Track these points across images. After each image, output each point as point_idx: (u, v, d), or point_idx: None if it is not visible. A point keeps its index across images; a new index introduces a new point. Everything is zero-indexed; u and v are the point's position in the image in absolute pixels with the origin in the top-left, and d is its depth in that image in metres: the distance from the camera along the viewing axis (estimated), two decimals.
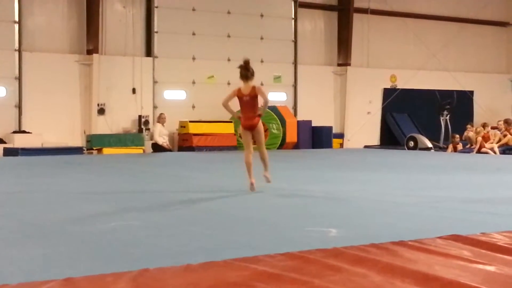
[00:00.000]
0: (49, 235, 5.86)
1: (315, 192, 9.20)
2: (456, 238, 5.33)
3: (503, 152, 20.21)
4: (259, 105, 9.29)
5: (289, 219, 6.86)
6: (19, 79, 19.18)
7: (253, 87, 9.10)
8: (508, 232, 5.65)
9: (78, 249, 5.19)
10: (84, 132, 19.74)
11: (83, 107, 19.94)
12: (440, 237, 5.37)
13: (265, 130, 19.42)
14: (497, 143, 20.45)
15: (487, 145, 20.18)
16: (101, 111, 19.91)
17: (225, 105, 9.34)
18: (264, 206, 7.97)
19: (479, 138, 20.18)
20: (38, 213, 7.22)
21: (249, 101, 9.08)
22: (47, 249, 5.16)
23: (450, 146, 21.31)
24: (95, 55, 19.73)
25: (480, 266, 4.46)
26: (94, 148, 19.13)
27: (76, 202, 8.17)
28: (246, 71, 9.09)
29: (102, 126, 19.84)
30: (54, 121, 19.34)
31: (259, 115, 9.17)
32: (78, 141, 19.64)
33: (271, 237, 5.76)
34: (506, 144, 20.66)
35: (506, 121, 21.25)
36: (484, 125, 21.10)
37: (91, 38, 19.83)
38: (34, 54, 19.33)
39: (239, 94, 9.15)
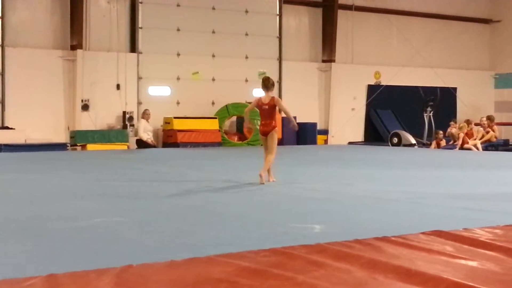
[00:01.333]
0: (31, 231, 5.83)
1: (299, 188, 9.24)
2: (439, 233, 5.36)
3: (485, 148, 20.36)
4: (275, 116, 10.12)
5: (273, 215, 6.87)
6: (2, 74, 19.03)
7: (272, 98, 9.95)
8: (490, 228, 5.70)
9: (61, 245, 5.16)
10: (68, 128, 19.65)
11: (67, 103, 19.82)
12: (423, 233, 5.40)
13: (250, 129, 19.51)
14: (480, 139, 20.60)
15: (470, 141, 20.31)
16: (85, 107, 19.82)
17: (246, 113, 10.49)
18: (248, 202, 7.98)
19: (461, 134, 20.31)
20: (20, 210, 7.17)
21: (268, 110, 9.90)
22: (30, 246, 5.14)
23: (434, 143, 21.43)
24: (79, 51, 19.63)
25: (463, 262, 4.49)
26: (78, 144, 19.04)
27: (59, 198, 8.13)
28: (267, 82, 9.95)
29: (86, 122, 19.75)
30: (38, 117, 19.21)
31: (292, 127, 10.58)
32: (62, 137, 19.54)
33: (255, 233, 5.77)
34: (489, 140, 20.81)
35: (489, 118, 21.41)
36: (468, 122, 21.22)
37: (75, 34, 19.72)
38: (17, 49, 19.19)
39: (259, 103, 9.95)
